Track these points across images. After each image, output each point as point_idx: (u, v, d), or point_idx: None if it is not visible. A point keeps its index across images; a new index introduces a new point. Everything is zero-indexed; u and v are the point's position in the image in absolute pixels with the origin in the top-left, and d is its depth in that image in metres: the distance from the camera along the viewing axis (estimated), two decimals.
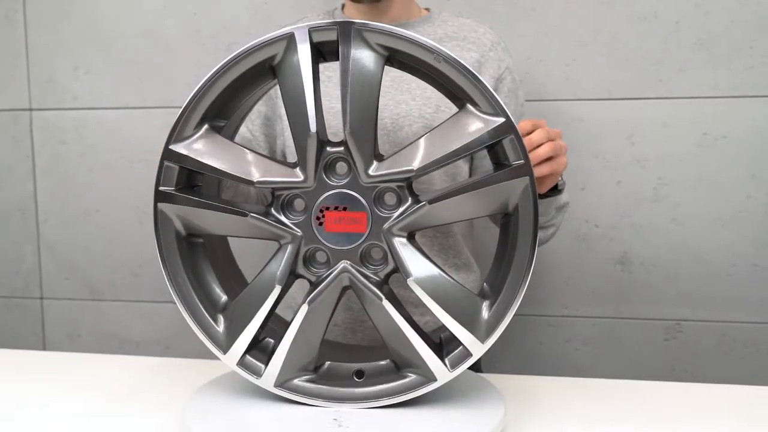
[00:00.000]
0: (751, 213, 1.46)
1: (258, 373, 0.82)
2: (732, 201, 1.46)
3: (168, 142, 0.80)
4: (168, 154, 0.81)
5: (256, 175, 0.79)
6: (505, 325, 0.79)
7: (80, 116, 1.68)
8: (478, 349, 0.79)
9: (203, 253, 0.85)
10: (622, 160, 1.48)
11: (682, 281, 1.50)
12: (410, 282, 0.78)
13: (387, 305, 0.79)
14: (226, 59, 0.79)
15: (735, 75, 1.42)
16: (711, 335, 1.50)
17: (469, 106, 0.79)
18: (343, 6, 1.23)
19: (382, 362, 0.84)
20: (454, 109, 1.13)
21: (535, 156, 0.87)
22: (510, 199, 0.79)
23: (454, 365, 0.80)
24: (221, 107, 0.81)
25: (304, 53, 0.78)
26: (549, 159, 0.90)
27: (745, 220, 1.46)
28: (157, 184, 0.81)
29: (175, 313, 1.73)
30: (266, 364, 0.82)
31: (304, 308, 0.80)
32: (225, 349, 0.82)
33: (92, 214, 1.71)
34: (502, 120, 0.77)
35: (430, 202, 0.78)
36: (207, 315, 0.82)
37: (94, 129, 1.68)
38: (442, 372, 0.80)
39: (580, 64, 1.47)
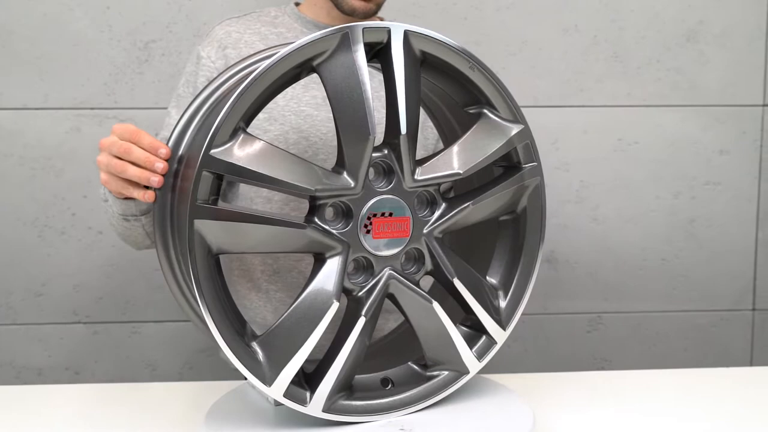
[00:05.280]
0: (659, 212, 1.60)
1: (303, 401, 0.75)
2: (643, 201, 1.60)
3: (208, 149, 0.70)
4: (208, 162, 0.70)
5: (311, 184, 0.72)
6: (521, 312, 0.86)
7: None
8: (501, 336, 0.84)
9: (221, 273, 0.76)
10: (548, 165, 1.55)
11: (601, 276, 1.61)
12: (456, 281, 0.81)
13: (438, 308, 0.80)
14: (272, 59, 0.71)
15: (645, 86, 1.56)
16: (627, 325, 1.63)
17: (488, 112, 0.83)
18: (297, 3, 1.17)
19: (403, 366, 0.84)
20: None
21: None
22: (521, 198, 0.85)
23: (481, 355, 0.84)
24: (256, 110, 0.75)
25: (360, 53, 0.74)
26: None
27: (654, 218, 1.61)
28: (194, 198, 0.70)
29: (82, 335, 1.58)
30: (311, 389, 0.75)
31: (362, 321, 0.76)
32: (270, 381, 0.73)
33: None
34: (523, 126, 0.84)
35: (474, 202, 0.81)
36: (244, 343, 0.73)
37: None
38: (473, 363, 0.83)
39: (509, 73, 1.53)
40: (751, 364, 1.67)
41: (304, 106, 1.05)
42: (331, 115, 1.05)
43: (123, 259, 1.54)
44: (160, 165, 0.79)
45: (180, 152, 0.82)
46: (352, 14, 1.06)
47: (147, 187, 0.81)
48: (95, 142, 1.49)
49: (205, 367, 1.58)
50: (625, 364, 1.62)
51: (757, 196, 1.63)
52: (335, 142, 1.06)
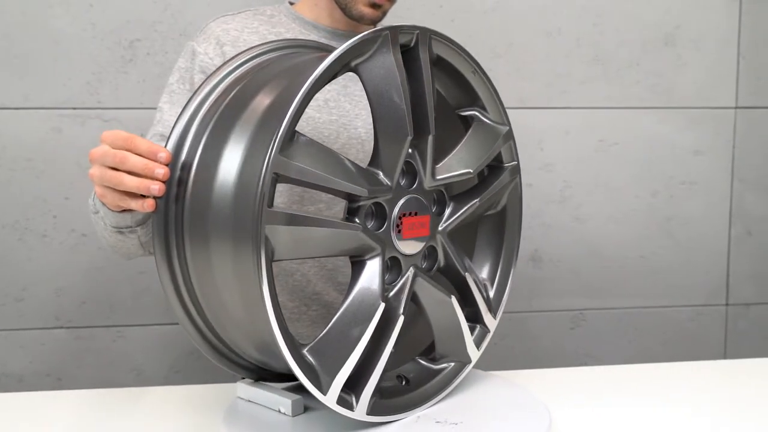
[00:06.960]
0: (638, 211, 1.65)
1: (351, 406, 0.73)
2: (623, 200, 1.64)
3: (279, 150, 0.65)
4: (278, 165, 0.65)
5: (363, 184, 0.71)
6: (506, 301, 0.93)
7: None
8: (493, 324, 0.90)
9: None
10: (532, 165, 1.60)
11: (584, 274, 1.65)
12: (467, 276, 0.84)
13: (455, 302, 0.83)
14: (328, 59, 0.69)
15: (625, 88, 1.60)
16: (608, 321, 1.68)
17: (479, 114, 0.88)
18: (291, 2, 1.16)
19: (412, 362, 0.86)
20: None
21: None
22: (503, 195, 0.90)
23: (478, 344, 0.88)
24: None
25: (398, 54, 0.75)
26: None
27: (634, 217, 1.65)
28: (268, 203, 0.65)
29: (64, 341, 1.54)
30: (354, 392, 0.74)
31: (401, 319, 0.77)
32: (326, 389, 0.71)
33: None
34: (508, 128, 0.89)
35: (481, 199, 0.85)
36: (302, 351, 0.71)
37: None
38: (474, 353, 0.88)
39: (495, 74, 1.52)
40: (725, 356, 1.73)
41: (307, 107, 1.05)
42: (333, 117, 1.07)
43: (106, 262, 1.51)
44: (161, 171, 0.72)
45: (183, 158, 0.75)
46: (360, 20, 1.05)
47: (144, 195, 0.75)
48: (77, 143, 1.48)
49: (191, 370, 1.57)
50: (606, 359, 1.67)
51: (730, 195, 1.69)
52: (337, 145, 1.07)
